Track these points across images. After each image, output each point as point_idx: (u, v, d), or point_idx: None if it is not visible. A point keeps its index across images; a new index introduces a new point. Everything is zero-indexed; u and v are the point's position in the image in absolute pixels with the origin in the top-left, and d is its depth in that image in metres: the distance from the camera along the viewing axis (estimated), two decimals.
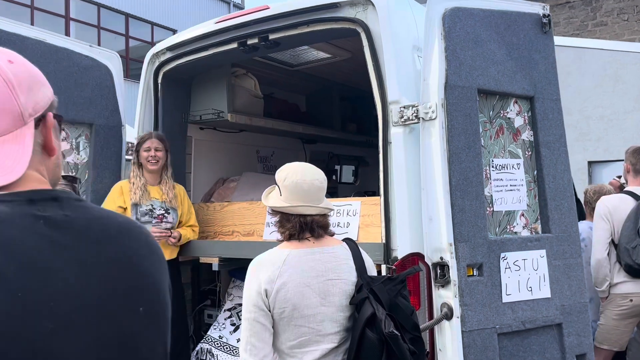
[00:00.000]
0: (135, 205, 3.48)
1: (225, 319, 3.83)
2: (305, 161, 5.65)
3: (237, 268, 3.82)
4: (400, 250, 2.74)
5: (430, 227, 2.65)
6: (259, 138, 4.95)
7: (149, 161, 3.54)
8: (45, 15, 15.33)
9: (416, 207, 2.73)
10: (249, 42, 3.39)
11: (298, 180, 2.01)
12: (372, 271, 2.08)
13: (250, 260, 2.07)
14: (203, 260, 3.65)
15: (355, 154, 6.34)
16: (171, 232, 3.52)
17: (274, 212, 2.09)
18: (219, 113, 3.90)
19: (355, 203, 3.13)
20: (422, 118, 2.70)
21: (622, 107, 8.93)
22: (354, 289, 1.98)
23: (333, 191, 5.74)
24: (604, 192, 4.22)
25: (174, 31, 16.73)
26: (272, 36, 3.31)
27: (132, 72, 16.54)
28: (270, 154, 5.21)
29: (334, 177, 5.74)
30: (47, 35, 3.44)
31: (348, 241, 2.10)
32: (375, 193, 6.86)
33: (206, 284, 4.26)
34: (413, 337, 1.96)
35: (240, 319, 3.82)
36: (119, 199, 3.48)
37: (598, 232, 3.83)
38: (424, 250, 2.70)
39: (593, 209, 4.03)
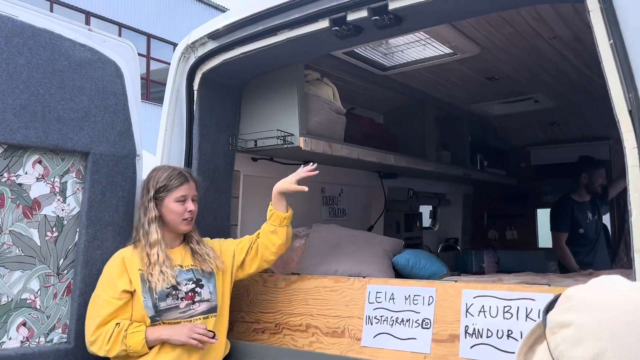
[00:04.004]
0: (149, 286, 2.08)
1: None
2: (385, 202, 4.24)
3: None
4: None
5: None
6: (325, 171, 3.54)
7: (184, 219, 2.18)
8: None
9: None
10: (350, 17, 2.03)
11: None
12: None
13: None
14: None
15: (434, 191, 4.92)
16: (214, 333, 2.11)
17: None
18: (285, 137, 2.52)
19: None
20: None
21: None
22: None
23: (419, 242, 4.30)
24: None
25: None
26: (393, 5, 1.94)
27: (152, 95, 15.57)
28: (338, 193, 3.80)
29: (417, 224, 4.29)
30: (19, 9, 2.12)
31: None
32: (458, 241, 5.42)
33: None
34: None
35: None
36: (120, 280, 2.08)
37: None
38: None
39: None
